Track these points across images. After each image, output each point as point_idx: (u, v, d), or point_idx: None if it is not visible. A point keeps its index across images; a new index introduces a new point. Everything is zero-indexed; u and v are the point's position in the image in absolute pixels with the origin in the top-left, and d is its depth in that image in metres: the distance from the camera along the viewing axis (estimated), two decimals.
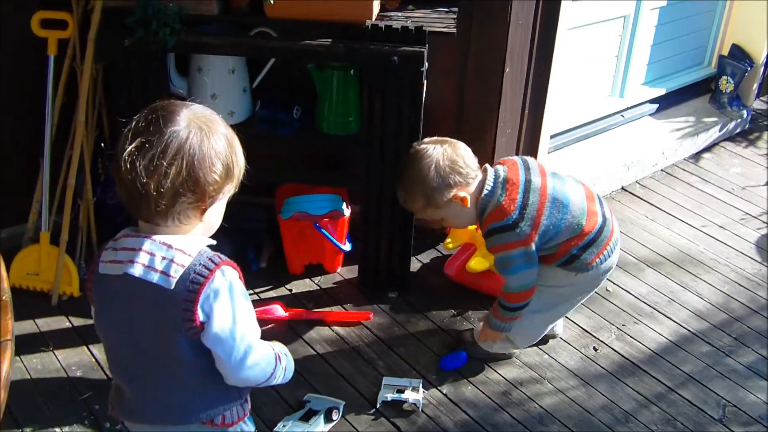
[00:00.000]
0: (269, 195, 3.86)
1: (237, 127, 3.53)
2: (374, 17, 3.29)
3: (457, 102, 3.78)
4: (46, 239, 3.59)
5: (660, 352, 3.54)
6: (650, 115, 5.16)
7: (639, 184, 4.81)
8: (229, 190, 1.96)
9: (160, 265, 1.87)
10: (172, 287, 1.85)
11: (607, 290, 3.85)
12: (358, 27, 3.22)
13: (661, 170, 4.95)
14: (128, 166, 1.79)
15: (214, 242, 1.99)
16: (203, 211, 1.91)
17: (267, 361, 2.05)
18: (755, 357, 3.54)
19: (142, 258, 1.87)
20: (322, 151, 3.98)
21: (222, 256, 1.93)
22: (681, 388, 3.35)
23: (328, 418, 3.06)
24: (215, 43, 3.23)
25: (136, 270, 1.87)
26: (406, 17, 3.40)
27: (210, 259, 1.90)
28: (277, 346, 2.17)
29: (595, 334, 3.61)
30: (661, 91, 5.15)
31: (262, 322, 3.45)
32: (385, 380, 3.25)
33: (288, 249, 3.79)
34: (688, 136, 5.09)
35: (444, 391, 3.26)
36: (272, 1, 3.05)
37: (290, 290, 3.76)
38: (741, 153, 5.24)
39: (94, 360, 3.31)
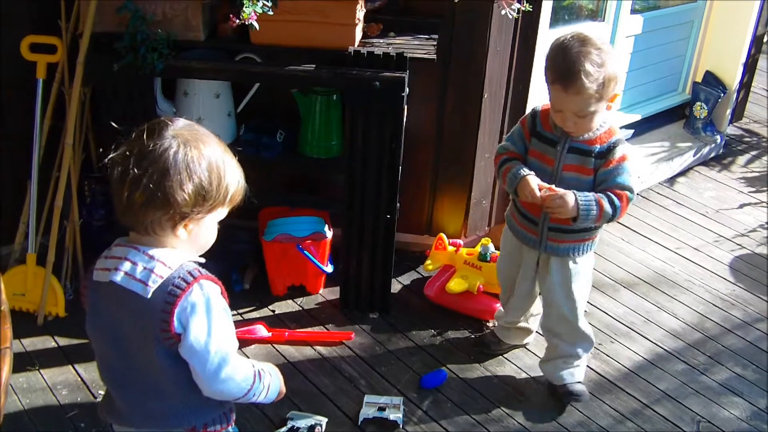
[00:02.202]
0: (252, 218, 3.92)
1: None
2: (356, 44, 3.36)
3: (437, 127, 3.86)
4: (33, 260, 3.62)
5: (636, 370, 3.61)
6: (626, 140, 5.23)
7: None
8: (210, 209, 1.94)
9: (140, 274, 1.89)
10: (149, 296, 1.88)
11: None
12: (341, 53, 3.29)
13: (637, 194, 5.02)
14: (110, 171, 1.85)
15: (202, 260, 2.00)
16: (175, 226, 1.91)
17: (243, 376, 2.03)
18: (729, 374, 3.63)
19: (125, 266, 1.90)
20: (304, 174, 4.05)
21: (203, 270, 1.95)
22: (656, 405, 3.42)
23: None
24: (202, 68, 3.30)
25: (119, 277, 1.90)
26: (388, 44, 3.48)
27: (189, 272, 1.91)
28: (266, 366, 2.17)
29: None
30: (636, 117, 5.24)
31: (245, 341, 3.54)
32: (367, 398, 3.30)
33: (271, 270, 3.84)
34: (663, 160, 5.19)
35: (424, 409, 3.31)
36: (257, 27, 3.12)
37: (273, 311, 3.81)
38: (715, 177, 5.34)
39: (79, 379, 3.34)
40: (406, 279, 4.09)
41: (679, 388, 3.53)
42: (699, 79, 5.51)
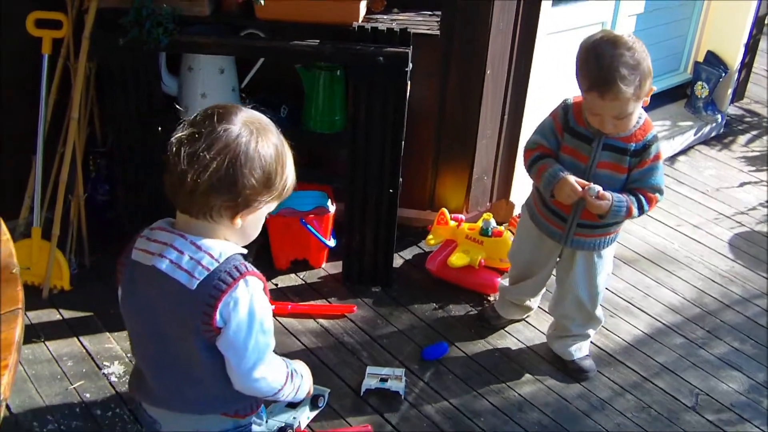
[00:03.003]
0: None
1: None
2: (360, 19, 3.39)
3: (440, 103, 3.88)
4: (38, 234, 3.65)
5: (635, 344, 3.65)
6: None
7: None
8: (268, 201, 1.93)
9: (186, 264, 1.88)
10: (194, 288, 1.86)
11: None
12: (344, 29, 3.31)
13: None
14: (173, 151, 1.81)
15: (246, 251, 1.98)
16: (236, 214, 1.89)
17: (276, 377, 2.04)
18: (727, 349, 3.67)
19: (171, 254, 1.89)
20: (308, 149, 4.07)
21: (249, 266, 1.93)
22: (655, 378, 3.47)
23: (313, 405, 3.15)
24: (207, 42, 3.32)
25: (164, 265, 1.89)
26: (392, 20, 3.51)
27: (236, 267, 1.89)
28: (298, 366, 2.19)
29: None
30: None
31: None
32: (369, 370, 3.34)
33: (274, 245, 3.87)
34: (664, 139, 5.20)
35: (426, 380, 3.36)
36: (262, 3, 3.14)
37: (276, 284, 3.84)
38: (715, 156, 5.36)
39: (84, 351, 3.38)
40: (408, 254, 4.12)
41: (678, 361, 3.57)
42: (700, 58, 5.53)
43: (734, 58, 5.42)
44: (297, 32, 3.32)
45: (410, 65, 3.30)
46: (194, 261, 1.88)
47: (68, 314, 3.57)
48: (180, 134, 1.83)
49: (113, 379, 3.26)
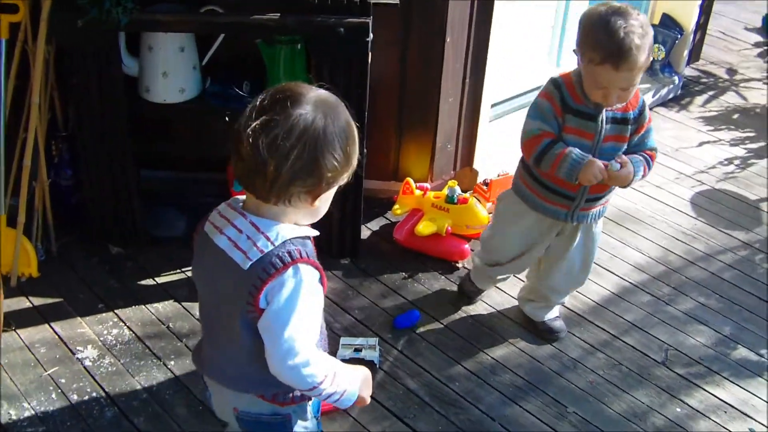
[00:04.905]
0: (221, 170, 3.94)
1: (188, 104, 3.64)
2: None
3: (401, 72, 3.89)
4: (3, 222, 3.60)
5: (603, 304, 3.72)
6: None
7: None
8: (344, 178, 1.93)
9: (243, 244, 1.89)
10: (246, 268, 1.88)
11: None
12: (304, 1, 3.29)
13: None
14: (251, 141, 1.78)
15: (316, 232, 2.00)
16: (315, 197, 1.89)
17: (313, 371, 1.95)
18: (693, 304, 3.75)
19: (231, 232, 1.92)
20: None
21: (306, 252, 1.91)
22: (625, 335, 3.54)
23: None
24: (167, 20, 3.31)
25: (222, 242, 1.93)
26: None
27: (289, 252, 1.88)
28: (359, 372, 2.13)
29: None
30: None
31: None
32: (343, 340, 3.36)
33: None
34: None
35: (400, 348, 3.39)
36: None
37: None
38: (674, 117, 5.42)
39: (57, 337, 3.37)
40: (375, 225, 4.13)
41: (646, 318, 3.64)
42: (656, 21, 5.55)
43: (689, 20, 5.47)
44: (257, 6, 3.30)
45: (371, 35, 3.30)
46: (251, 242, 1.89)
47: (38, 301, 3.55)
48: (253, 123, 1.80)
49: (87, 363, 3.25)
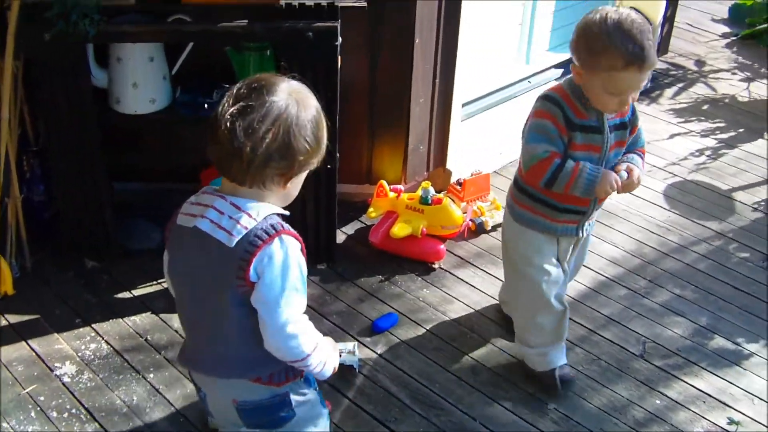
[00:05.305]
0: (193, 180, 3.92)
1: (159, 114, 3.63)
2: None
3: (371, 75, 3.90)
4: None
5: (580, 299, 3.73)
6: (556, 80, 5.29)
7: None
8: (314, 163, 2.09)
9: (226, 224, 2.00)
10: (232, 246, 1.98)
11: None
12: (272, 7, 3.29)
13: None
14: (227, 125, 1.93)
15: (287, 213, 2.11)
16: (288, 180, 2.04)
17: (306, 339, 2.10)
18: (669, 296, 3.77)
19: (211, 214, 2.02)
20: None
21: (286, 225, 2.05)
22: (602, 330, 3.55)
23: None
24: (135, 31, 3.29)
25: (204, 225, 2.02)
26: None
27: (272, 225, 2.01)
28: (325, 342, 2.25)
29: None
30: (565, 56, 5.28)
31: None
32: None
33: None
34: None
35: (379, 352, 3.39)
36: None
37: None
38: (644, 110, 5.44)
39: (34, 354, 3.33)
40: (350, 229, 4.13)
41: (623, 312, 3.66)
42: None
43: (656, 12, 5.46)
44: (224, 14, 3.30)
45: (339, 39, 3.30)
46: (233, 220, 2.00)
47: (14, 318, 3.51)
48: (230, 108, 1.94)
49: (66, 379, 3.23)
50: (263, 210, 2.02)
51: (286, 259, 2.02)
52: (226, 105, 1.96)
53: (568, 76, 2.87)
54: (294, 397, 2.28)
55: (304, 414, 2.33)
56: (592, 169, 2.79)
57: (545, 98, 2.87)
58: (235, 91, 1.99)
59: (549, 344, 3.18)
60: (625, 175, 2.85)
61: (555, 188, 2.83)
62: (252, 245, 1.98)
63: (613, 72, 2.67)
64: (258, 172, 1.98)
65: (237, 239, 1.98)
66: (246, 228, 1.99)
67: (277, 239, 2.00)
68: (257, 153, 1.94)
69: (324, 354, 2.20)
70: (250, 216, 2.00)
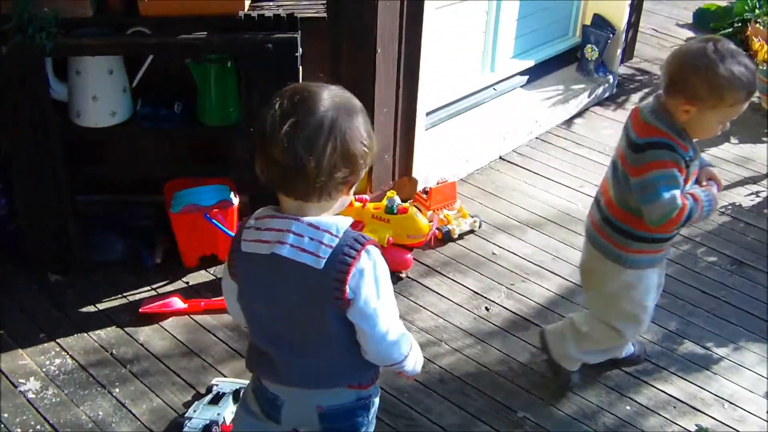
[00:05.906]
0: (157, 192, 3.90)
1: (120, 127, 3.61)
2: (246, 8, 3.36)
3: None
4: None
5: (548, 306, 3.73)
6: (521, 86, 5.34)
7: (516, 152, 4.98)
8: (370, 162, 2.04)
9: (309, 246, 1.97)
10: (322, 267, 1.95)
11: (493, 253, 4.02)
12: (231, 18, 3.29)
13: (536, 138, 5.14)
14: (285, 144, 1.87)
15: (352, 220, 2.07)
16: (351, 185, 2.02)
17: (406, 340, 2.16)
18: None
19: (290, 239, 1.98)
20: (207, 143, 4.04)
21: (365, 236, 2.02)
22: None
23: (236, 399, 3.12)
24: (94, 44, 3.28)
25: (284, 250, 1.98)
26: (278, 6, 3.49)
27: (356, 239, 1.98)
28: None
29: (485, 295, 3.78)
30: (530, 63, 5.33)
31: (161, 315, 3.55)
32: None
33: (181, 242, 3.82)
34: (559, 103, 5.29)
35: None
36: None
37: (187, 282, 3.80)
38: (610, 116, 5.46)
39: None
40: None
41: None
42: (588, 21, 5.61)
43: (620, 18, 5.53)
44: (184, 26, 3.29)
45: (300, 50, 3.29)
46: (316, 241, 1.97)
47: None
48: (284, 128, 1.88)
49: (30, 395, 3.19)
50: (340, 224, 1.99)
51: (376, 270, 2.02)
52: (274, 124, 1.90)
53: (652, 113, 2.81)
54: (374, 400, 2.32)
55: (372, 418, 2.37)
56: (705, 195, 2.84)
57: (661, 147, 2.76)
58: (278, 107, 1.92)
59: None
60: (712, 182, 2.93)
61: (692, 221, 2.84)
62: (343, 264, 1.96)
63: (735, 105, 2.70)
64: (324, 185, 1.93)
65: (325, 260, 1.96)
66: (330, 247, 1.96)
67: (364, 252, 1.98)
68: (322, 167, 1.89)
69: (417, 351, 2.25)
70: (331, 234, 1.97)
